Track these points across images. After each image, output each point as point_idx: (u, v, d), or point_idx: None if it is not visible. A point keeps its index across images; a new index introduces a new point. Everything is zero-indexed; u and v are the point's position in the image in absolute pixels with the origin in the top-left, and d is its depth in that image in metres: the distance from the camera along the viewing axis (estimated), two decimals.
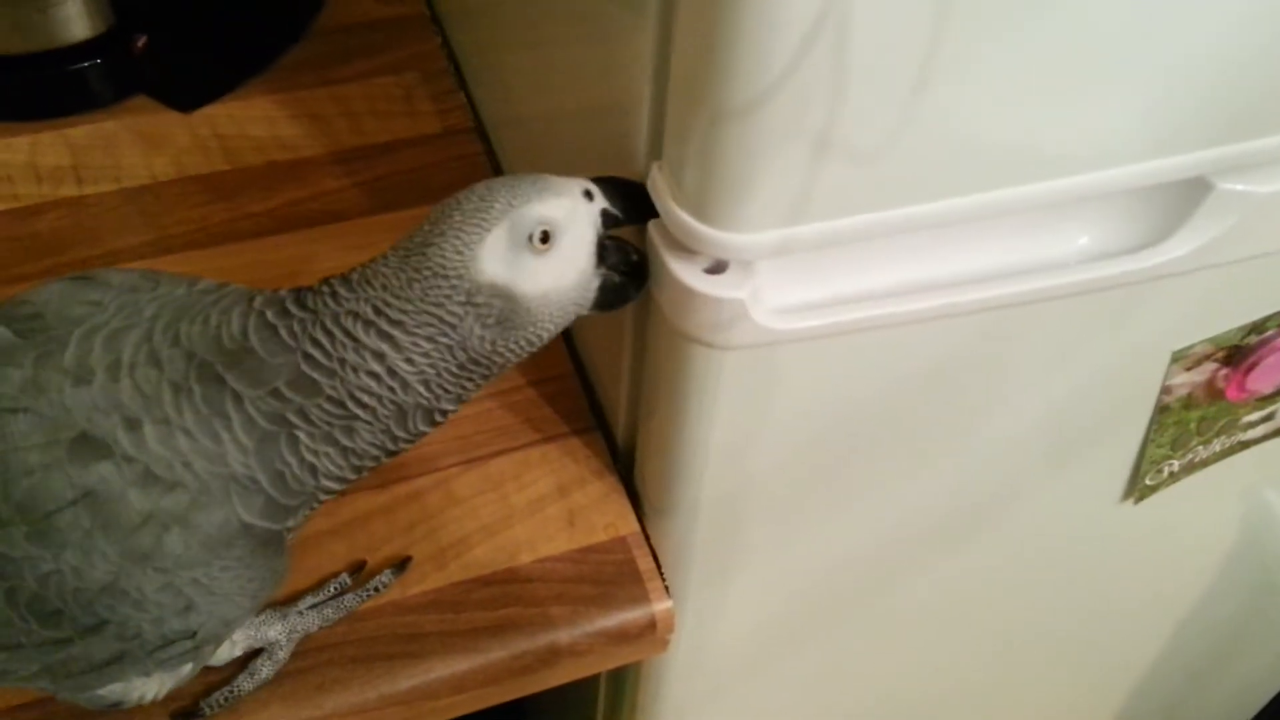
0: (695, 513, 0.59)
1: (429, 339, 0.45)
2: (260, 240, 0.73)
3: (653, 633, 0.61)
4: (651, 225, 0.50)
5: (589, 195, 0.48)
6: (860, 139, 0.43)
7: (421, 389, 0.46)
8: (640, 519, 0.63)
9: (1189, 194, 0.52)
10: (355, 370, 0.45)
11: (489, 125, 0.80)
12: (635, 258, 0.50)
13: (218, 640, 0.49)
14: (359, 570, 0.60)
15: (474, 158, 0.79)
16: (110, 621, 0.45)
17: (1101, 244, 0.54)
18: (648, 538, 0.63)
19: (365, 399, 0.45)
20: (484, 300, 0.45)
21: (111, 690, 0.50)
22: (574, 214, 0.47)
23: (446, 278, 0.44)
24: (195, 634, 0.47)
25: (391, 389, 0.45)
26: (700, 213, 0.46)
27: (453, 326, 0.45)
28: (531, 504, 0.63)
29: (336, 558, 0.60)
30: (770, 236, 0.46)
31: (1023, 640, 0.85)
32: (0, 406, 0.44)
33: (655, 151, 0.49)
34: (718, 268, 0.48)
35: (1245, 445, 0.69)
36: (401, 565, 0.60)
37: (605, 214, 0.48)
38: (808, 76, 0.40)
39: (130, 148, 0.77)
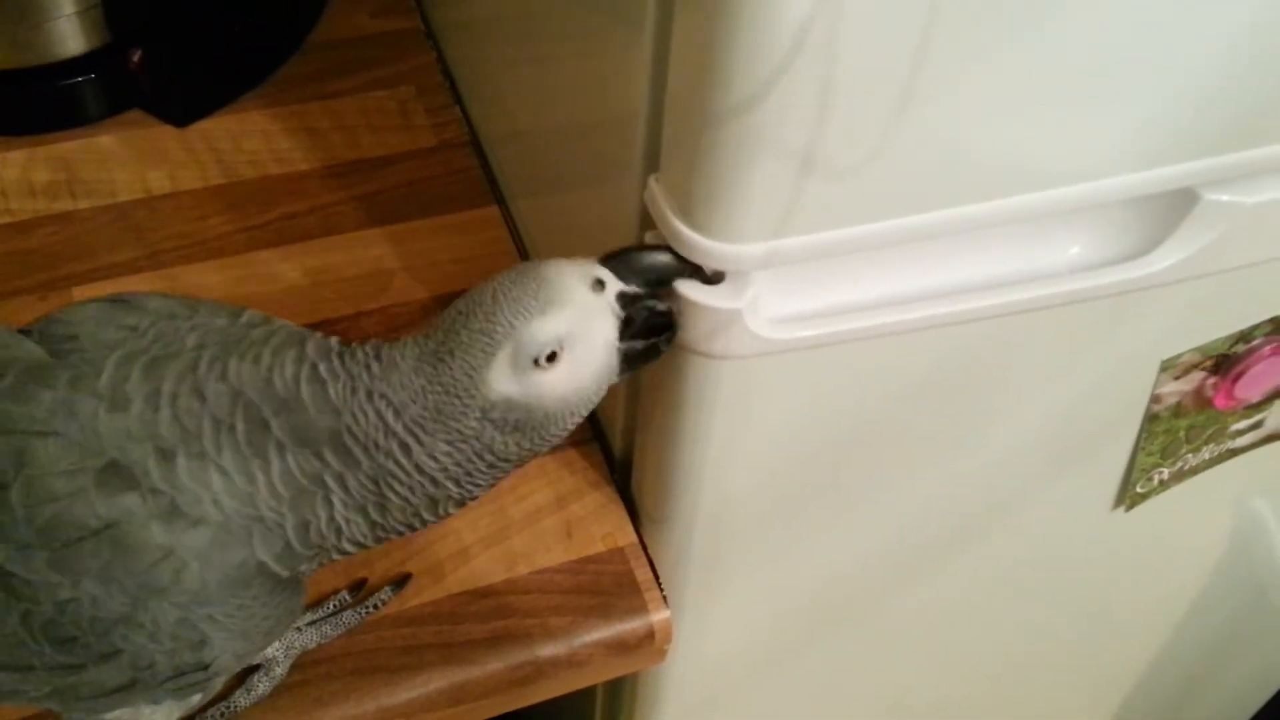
0: (693, 522, 0.59)
1: (449, 443, 0.45)
2: (255, 254, 0.73)
3: (651, 643, 0.61)
4: (648, 234, 0.50)
5: (600, 284, 0.46)
6: (849, 151, 0.44)
7: (451, 485, 0.46)
8: (638, 529, 0.64)
9: (1176, 205, 0.53)
10: (387, 456, 0.45)
11: (484, 139, 0.81)
12: (662, 312, 0.48)
13: (229, 672, 0.49)
14: (359, 587, 0.60)
15: (469, 172, 0.79)
16: (124, 651, 0.45)
17: (1091, 254, 0.55)
18: (645, 548, 0.63)
19: (397, 486, 0.45)
20: (499, 415, 0.45)
21: (119, 715, 0.50)
22: (584, 318, 0.45)
23: (459, 396, 0.44)
24: (208, 666, 0.46)
25: (421, 483, 0.45)
26: (695, 222, 0.46)
27: (473, 437, 0.45)
28: (529, 515, 0.64)
29: (335, 571, 0.60)
30: (762, 247, 0.46)
31: (1017, 648, 0.85)
32: (30, 429, 0.44)
33: (652, 164, 0.49)
34: (714, 278, 0.48)
35: (1234, 453, 0.70)
36: (401, 582, 0.60)
37: (622, 295, 0.47)
38: (798, 87, 0.40)
39: (125, 162, 0.77)
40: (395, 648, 0.59)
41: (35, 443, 0.43)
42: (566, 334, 0.45)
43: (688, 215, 0.46)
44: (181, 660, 0.46)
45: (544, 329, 0.44)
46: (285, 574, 0.47)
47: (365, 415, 0.44)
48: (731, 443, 0.55)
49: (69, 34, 0.76)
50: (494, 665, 0.59)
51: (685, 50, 0.43)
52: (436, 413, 0.44)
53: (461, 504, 0.47)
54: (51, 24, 0.75)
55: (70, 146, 0.78)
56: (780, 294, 0.50)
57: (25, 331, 0.48)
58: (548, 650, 0.59)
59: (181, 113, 0.80)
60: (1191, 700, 1.05)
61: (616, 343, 0.46)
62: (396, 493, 0.45)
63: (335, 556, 0.48)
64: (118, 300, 0.49)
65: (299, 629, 0.57)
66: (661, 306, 0.48)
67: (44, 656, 0.45)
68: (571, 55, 0.59)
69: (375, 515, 0.46)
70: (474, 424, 0.44)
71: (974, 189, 0.48)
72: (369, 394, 0.44)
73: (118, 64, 0.78)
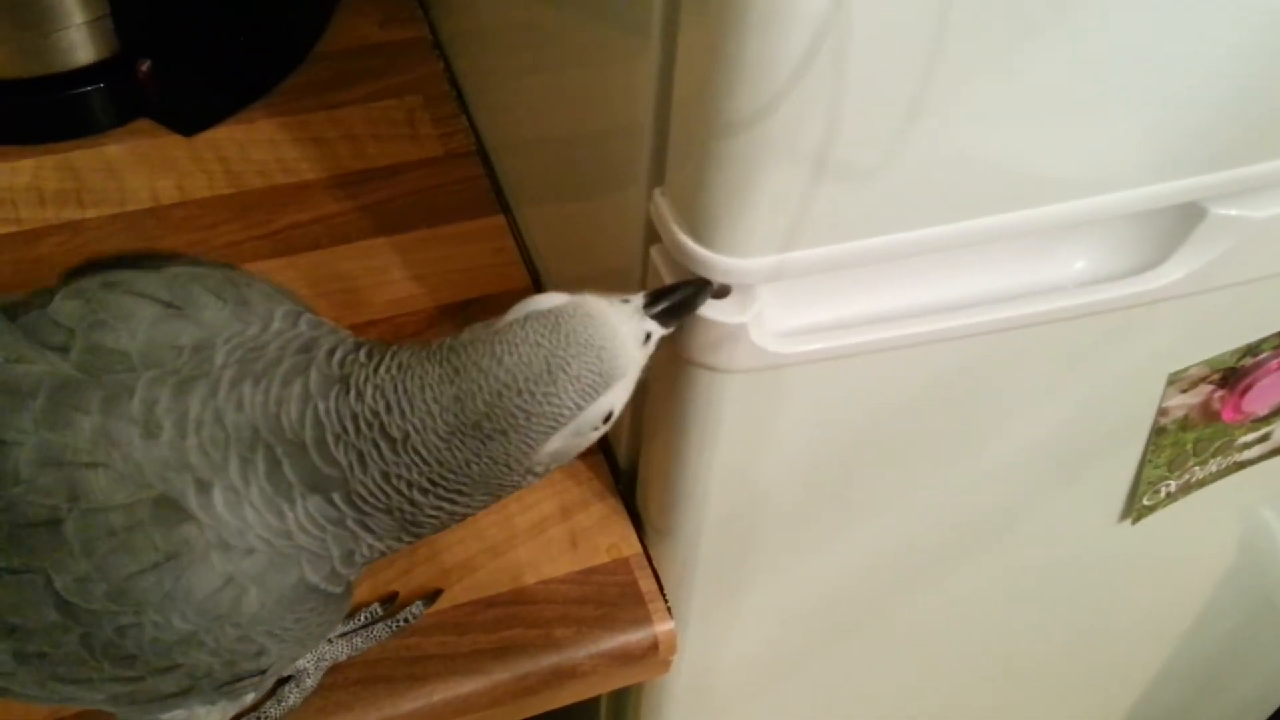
0: (698, 534, 0.59)
1: (488, 494, 0.45)
2: (263, 263, 0.73)
3: (655, 654, 0.61)
4: (654, 249, 0.50)
5: (648, 338, 0.45)
6: (858, 163, 0.44)
7: (481, 509, 0.46)
8: (642, 540, 0.64)
9: (1184, 219, 0.53)
10: (414, 511, 0.44)
11: (491, 149, 0.81)
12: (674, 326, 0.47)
13: (280, 670, 0.49)
14: (390, 600, 0.60)
15: (476, 181, 0.79)
16: (183, 664, 0.45)
17: (1098, 268, 0.54)
18: (650, 559, 0.63)
19: (425, 523, 0.46)
20: (543, 469, 0.45)
21: (174, 716, 0.50)
22: (635, 374, 0.44)
23: (509, 467, 0.43)
24: (265, 672, 0.47)
25: (451, 515, 0.46)
26: (701, 236, 0.46)
27: (514, 486, 0.45)
28: (534, 526, 0.64)
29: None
30: (769, 261, 0.46)
31: (1022, 658, 0.85)
32: (77, 461, 0.42)
33: (657, 176, 0.49)
34: (720, 292, 0.48)
35: (1241, 466, 0.70)
36: (432, 597, 0.60)
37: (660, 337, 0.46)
38: (806, 98, 0.40)
39: (133, 171, 0.78)
40: (400, 658, 0.59)
41: (86, 475, 0.42)
42: (621, 396, 0.44)
43: (693, 229, 0.46)
44: (240, 669, 0.46)
45: (608, 402, 0.43)
46: (338, 590, 0.47)
47: (384, 492, 0.43)
48: (736, 455, 0.55)
49: (78, 43, 0.76)
50: (499, 676, 0.59)
51: (691, 60, 0.43)
52: (482, 478, 0.43)
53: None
54: (61, 33, 0.75)
55: (79, 155, 0.78)
56: (785, 308, 0.50)
57: (30, 299, 0.46)
58: (552, 661, 0.59)
59: (190, 122, 0.80)
60: (1198, 709, 1.04)
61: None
62: (424, 526, 0.46)
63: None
64: (168, 305, 0.46)
65: (330, 640, 0.57)
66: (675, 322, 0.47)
67: (103, 671, 0.45)
68: (577, 65, 0.60)
69: (408, 538, 0.46)
70: (518, 479, 0.44)
71: (982, 202, 0.48)
72: (384, 476, 0.43)
73: (126, 74, 0.78)
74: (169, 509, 0.42)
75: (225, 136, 0.80)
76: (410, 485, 0.43)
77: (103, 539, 0.42)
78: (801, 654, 0.73)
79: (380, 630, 0.58)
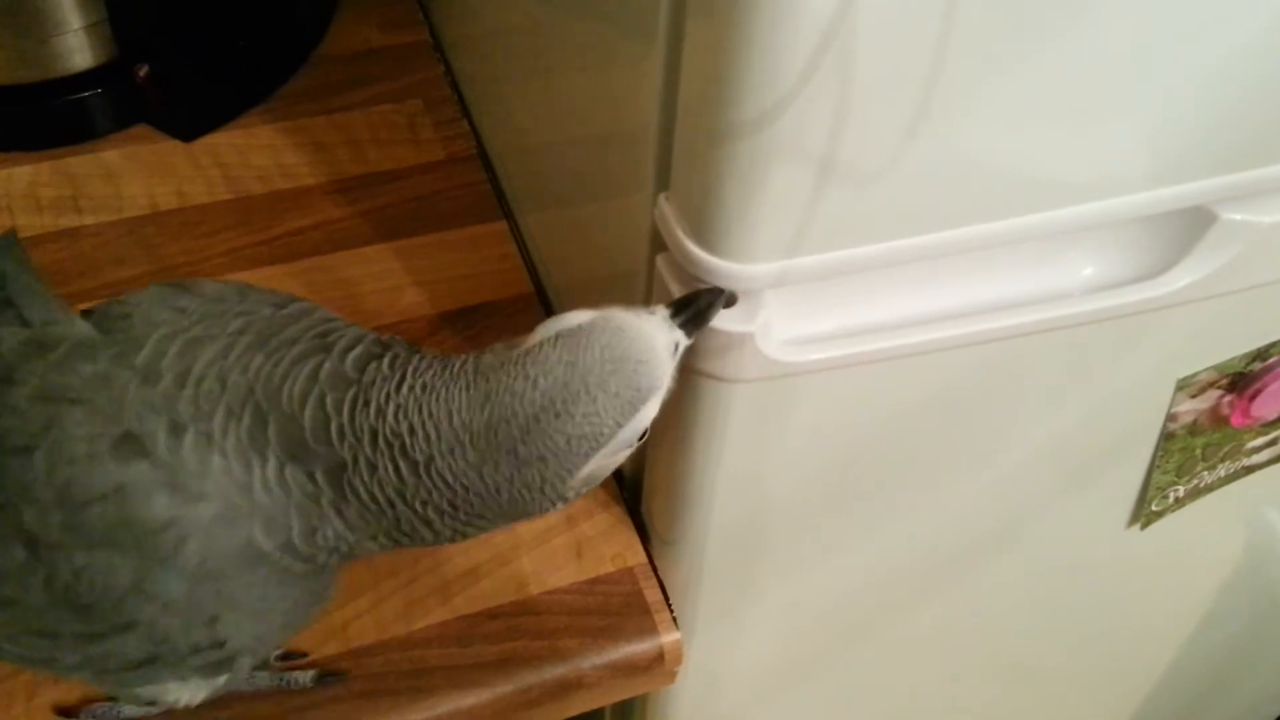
0: (704, 543, 0.59)
1: (512, 518, 0.44)
2: (263, 270, 0.73)
3: (661, 665, 0.61)
4: (660, 258, 0.50)
5: (676, 348, 0.44)
6: (864, 167, 0.43)
7: (494, 530, 0.45)
8: (647, 550, 0.63)
9: (1193, 224, 0.52)
10: (413, 531, 0.44)
11: (493, 153, 0.80)
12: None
13: (253, 653, 0.48)
14: (294, 655, 0.58)
15: (478, 186, 0.79)
16: (139, 622, 0.45)
17: (1106, 274, 0.54)
18: (655, 569, 0.63)
19: (422, 537, 0.44)
20: (574, 495, 0.43)
21: (148, 691, 0.50)
22: (668, 384, 0.43)
23: (543, 491, 0.42)
24: (224, 644, 0.46)
25: (452, 539, 0.44)
26: (706, 242, 0.46)
27: (540, 513, 0.43)
28: (539, 535, 0.63)
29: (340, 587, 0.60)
30: (775, 266, 0.46)
31: (1030, 661, 0.85)
32: (64, 397, 0.44)
33: (662, 182, 0.49)
34: (728, 300, 0.48)
35: (1250, 470, 0.69)
36: (329, 676, 0.57)
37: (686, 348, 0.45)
38: (812, 102, 0.40)
39: (131, 177, 0.77)
40: (403, 670, 0.58)
41: (65, 409, 0.44)
42: (655, 410, 0.43)
43: (698, 234, 0.46)
44: (197, 636, 0.45)
45: (645, 417, 0.42)
46: (298, 565, 0.45)
47: (394, 508, 0.43)
48: (743, 464, 0.55)
49: (76, 49, 0.76)
50: (503, 688, 0.58)
51: (697, 63, 0.42)
52: (510, 503, 0.42)
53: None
54: (59, 39, 0.75)
55: (77, 161, 0.78)
56: (792, 317, 0.50)
57: (89, 312, 0.49)
58: (557, 672, 0.59)
59: (188, 127, 0.80)
60: (1204, 711, 1.04)
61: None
62: (413, 540, 0.45)
63: (359, 556, 0.47)
64: (175, 285, 0.49)
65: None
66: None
67: (68, 624, 0.45)
68: (581, 68, 0.59)
69: (385, 541, 0.45)
70: (548, 505, 0.43)
71: (988, 207, 0.47)
72: (400, 495, 0.42)
73: (125, 79, 0.78)
74: (130, 445, 0.43)
75: (224, 142, 0.80)
76: (426, 505, 0.43)
77: (63, 466, 0.43)
78: (808, 661, 0.73)
79: (263, 679, 0.56)
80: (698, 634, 0.62)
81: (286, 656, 0.58)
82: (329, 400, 0.43)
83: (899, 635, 0.73)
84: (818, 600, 0.67)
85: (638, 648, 0.60)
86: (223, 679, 0.50)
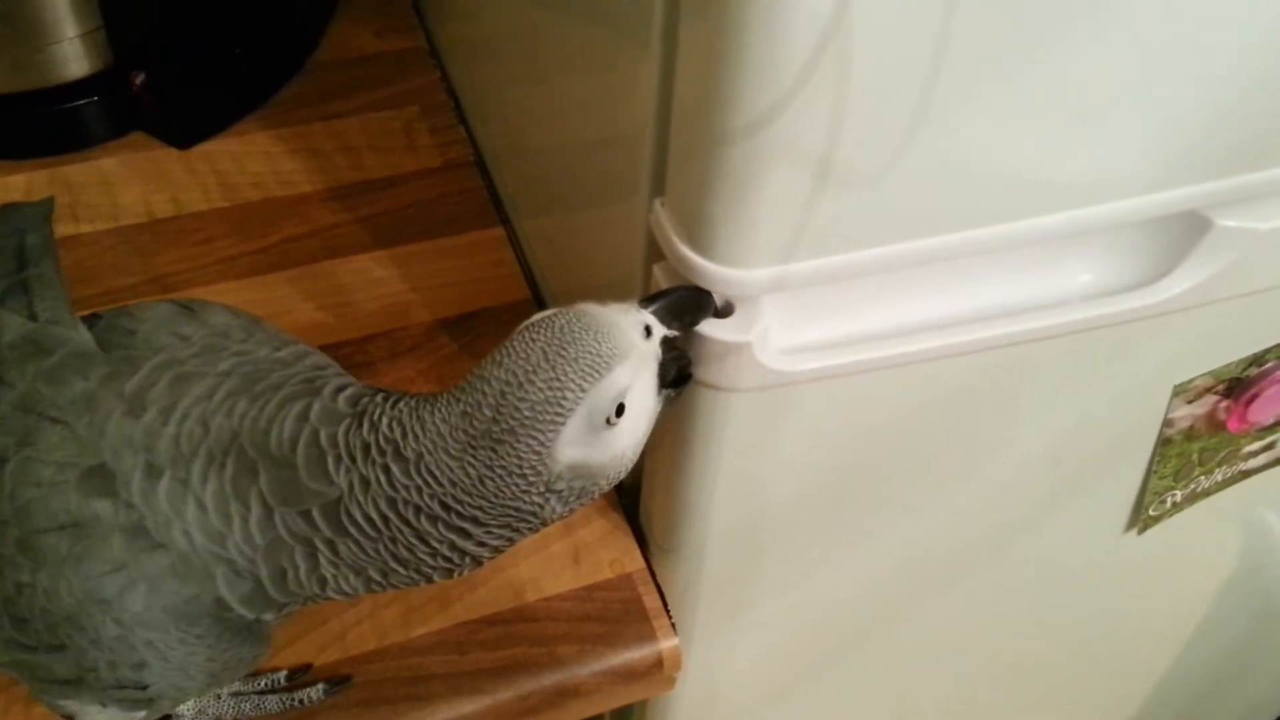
0: (702, 551, 0.59)
1: (507, 526, 0.43)
2: (258, 278, 0.73)
3: (659, 671, 0.61)
4: (656, 266, 0.50)
5: (648, 331, 0.44)
6: (860, 172, 0.43)
7: (487, 554, 0.45)
8: (646, 557, 0.63)
9: (1190, 230, 0.52)
10: (411, 549, 0.43)
11: (489, 159, 0.80)
12: (688, 365, 0.47)
13: (173, 700, 0.48)
14: (299, 671, 0.58)
15: (475, 192, 0.79)
16: (69, 648, 0.45)
17: (1104, 281, 0.54)
18: (654, 575, 0.62)
19: (409, 563, 0.44)
20: (564, 485, 0.42)
21: (68, 705, 0.50)
22: (640, 367, 0.43)
23: (524, 475, 0.41)
24: (146, 688, 0.46)
25: (450, 559, 0.44)
26: (702, 247, 0.46)
27: (533, 513, 0.43)
28: (536, 542, 0.63)
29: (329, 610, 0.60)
30: (771, 272, 0.46)
31: (1028, 666, 0.85)
32: (45, 413, 0.44)
33: (658, 187, 0.49)
34: (724, 310, 0.48)
35: (1247, 474, 0.70)
36: (338, 683, 0.57)
37: (665, 340, 0.45)
38: (808, 106, 0.40)
39: (127, 185, 0.77)
40: (402, 678, 0.58)
41: (45, 426, 0.44)
42: (629, 385, 0.42)
43: (694, 240, 0.46)
44: (121, 674, 0.45)
45: (615, 383, 0.41)
46: (250, 616, 0.46)
47: (386, 521, 0.42)
48: (741, 472, 0.54)
49: (72, 57, 0.76)
50: (502, 695, 0.58)
51: (691, 68, 0.42)
52: (497, 495, 0.42)
53: (479, 565, 0.46)
54: (54, 47, 0.75)
55: (73, 170, 0.78)
56: (789, 325, 0.50)
57: (97, 317, 0.48)
58: (555, 679, 0.59)
59: (184, 135, 0.80)
60: (1203, 714, 1.04)
61: (658, 391, 0.45)
62: (406, 565, 0.44)
63: (322, 601, 0.47)
64: (186, 307, 0.48)
65: (218, 696, 0.56)
66: (688, 364, 0.47)
67: (4, 628, 0.46)
68: (576, 73, 0.59)
69: (376, 576, 0.45)
70: (536, 499, 0.42)
71: (984, 211, 0.48)
72: (390, 503, 0.42)
73: (120, 87, 0.78)
74: (98, 480, 0.43)
75: (220, 149, 0.80)
76: (419, 511, 0.42)
77: (28, 486, 0.44)
78: (806, 666, 0.73)
79: (272, 703, 0.56)
80: (697, 639, 0.62)
81: (293, 674, 0.57)
82: (323, 435, 0.43)
83: (896, 640, 0.73)
84: (815, 605, 0.67)
85: (636, 654, 0.60)
86: (141, 714, 0.50)
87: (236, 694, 0.56)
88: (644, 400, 0.44)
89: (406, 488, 0.42)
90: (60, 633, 0.44)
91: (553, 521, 0.45)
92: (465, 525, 0.43)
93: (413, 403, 0.43)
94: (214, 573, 0.44)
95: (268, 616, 0.47)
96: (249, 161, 0.79)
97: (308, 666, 0.58)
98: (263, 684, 0.57)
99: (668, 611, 0.61)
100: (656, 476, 0.59)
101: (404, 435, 0.42)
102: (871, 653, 0.73)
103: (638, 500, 0.64)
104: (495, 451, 0.41)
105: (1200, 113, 0.47)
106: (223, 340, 0.47)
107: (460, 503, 0.42)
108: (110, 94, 0.78)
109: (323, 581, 0.45)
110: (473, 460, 0.41)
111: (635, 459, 0.45)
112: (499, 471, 0.41)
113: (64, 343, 0.46)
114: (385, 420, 0.43)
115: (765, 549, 0.61)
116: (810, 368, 0.49)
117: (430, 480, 0.42)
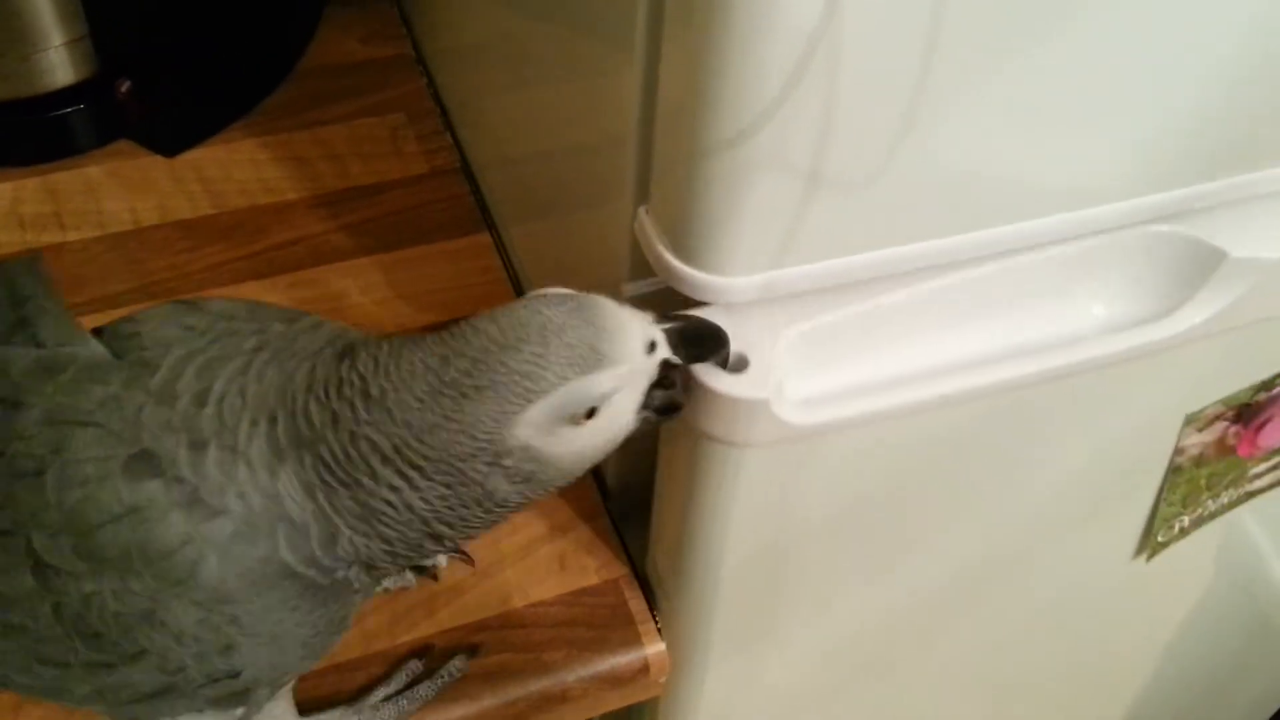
0: (713, 597, 0.58)
1: (447, 486, 0.42)
2: (246, 285, 0.73)
3: (646, 676, 0.61)
4: (629, 288, 0.50)
5: (652, 347, 0.43)
6: (847, 177, 0.43)
7: (445, 528, 0.43)
8: (635, 565, 0.63)
9: (1202, 262, 0.52)
10: (371, 495, 0.42)
11: (476, 166, 0.80)
12: (679, 398, 0.45)
13: (271, 684, 0.47)
14: (423, 653, 0.58)
15: (461, 199, 0.79)
16: (150, 651, 0.44)
17: (1117, 314, 0.54)
18: (640, 580, 0.62)
19: (389, 523, 0.43)
20: (512, 464, 0.41)
21: None
22: (629, 379, 0.42)
23: (474, 437, 0.40)
24: (239, 674, 0.45)
25: (411, 520, 0.43)
26: (686, 255, 0.46)
27: (475, 482, 0.41)
28: (522, 548, 0.63)
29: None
30: (757, 279, 0.46)
31: (1029, 680, 0.84)
32: (73, 419, 0.43)
33: (642, 195, 0.49)
34: (738, 365, 0.47)
35: (1252, 495, 0.69)
36: (472, 651, 0.58)
37: (665, 363, 0.43)
38: (793, 113, 0.40)
39: (113, 193, 0.77)
40: None
41: (76, 431, 0.43)
42: (610, 392, 0.41)
43: (678, 247, 0.46)
44: (212, 666, 0.44)
45: (597, 385, 0.40)
46: (323, 580, 0.44)
47: (348, 458, 0.42)
48: (752, 522, 0.54)
49: (57, 65, 0.76)
50: (487, 701, 0.58)
51: (675, 76, 0.42)
52: (444, 449, 0.40)
53: (467, 536, 0.45)
54: (40, 55, 0.75)
55: (59, 178, 0.77)
56: (804, 377, 0.49)
57: (98, 331, 0.48)
58: (542, 685, 0.59)
59: (170, 143, 0.80)
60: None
61: (638, 409, 0.44)
62: (389, 528, 0.43)
63: (391, 566, 0.46)
64: (184, 303, 0.48)
65: (374, 706, 0.55)
66: (680, 396, 0.45)
67: (78, 653, 0.44)
68: (561, 80, 0.59)
69: (379, 541, 0.44)
70: (481, 468, 0.41)
71: (969, 217, 0.48)
72: (352, 437, 0.41)
73: (106, 95, 0.78)
74: (143, 464, 0.42)
75: (207, 157, 0.80)
76: (374, 449, 0.41)
77: (74, 488, 0.42)
78: (813, 699, 0.71)
79: (425, 689, 0.56)
80: (707, 684, 0.62)
81: (420, 655, 0.57)
82: (319, 375, 0.43)
83: (903, 673, 0.73)
84: (825, 643, 0.66)
85: (623, 659, 0.60)
86: (239, 711, 0.48)
87: (388, 698, 0.56)
88: (620, 413, 0.43)
89: (367, 422, 0.41)
90: (139, 636, 0.43)
91: (502, 508, 0.43)
92: (409, 471, 0.41)
93: (397, 342, 0.42)
94: (276, 530, 0.43)
95: (343, 574, 0.45)
96: (235, 169, 0.79)
97: (431, 646, 0.59)
98: (404, 677, 0.57)
99: (654, 616, 0.61)
100: (664, 527, 0.58)
101: (375, 371, 0.41)
102: (879, 684, 0.73)
103: (624, 507, 0.64)
104: (457, 403, 0.40)
105: (1187, 119, 0.47)
106: (230, 323, 0.46)
107: (409, 446, 0.41)
108: (96, 102, 0.78)
109: (354, 545, 0.43)
110: (434, 406, 0.40)
111: (592, 464, 0.44)
112: (453, 424, 0.40)
113: (75, 359, 0.46)
114: (364, 356, 0.42)
115: (775, 592, 0.60)
116: (827, 419, 0.49)
117: (386, 416, 0.41)
